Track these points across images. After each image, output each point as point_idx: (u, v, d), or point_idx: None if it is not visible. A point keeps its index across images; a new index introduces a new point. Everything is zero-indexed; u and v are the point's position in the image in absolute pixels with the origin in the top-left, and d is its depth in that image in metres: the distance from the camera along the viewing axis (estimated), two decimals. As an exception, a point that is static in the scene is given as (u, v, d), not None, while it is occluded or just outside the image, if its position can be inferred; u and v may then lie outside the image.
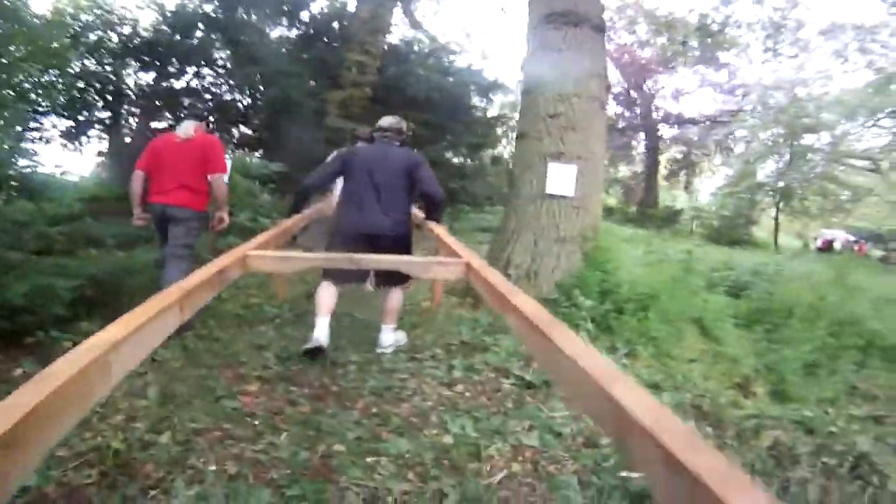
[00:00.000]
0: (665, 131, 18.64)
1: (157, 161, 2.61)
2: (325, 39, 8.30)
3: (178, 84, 8.54)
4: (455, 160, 9.27)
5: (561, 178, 3.25)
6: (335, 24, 8.19)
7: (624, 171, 20.62)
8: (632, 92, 17.80)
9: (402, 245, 2.33)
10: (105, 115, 8.59)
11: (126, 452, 1.41)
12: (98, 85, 7.92)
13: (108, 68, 7.95)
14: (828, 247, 14.48)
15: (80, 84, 7.68)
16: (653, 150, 18.40)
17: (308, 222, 2.69)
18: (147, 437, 1.51)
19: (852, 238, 14.72)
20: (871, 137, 13.51)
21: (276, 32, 8.46)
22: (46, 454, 0.58)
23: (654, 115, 18.12)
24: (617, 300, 2.91)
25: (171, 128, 4.40)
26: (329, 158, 2.56)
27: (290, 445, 1.53)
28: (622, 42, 16.48)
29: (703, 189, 21.00)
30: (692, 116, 17.68)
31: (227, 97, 8.60)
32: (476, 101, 9.05)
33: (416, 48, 9.02)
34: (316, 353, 2.19)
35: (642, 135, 18.56)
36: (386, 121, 2.51)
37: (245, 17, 7.75)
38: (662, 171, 19.88)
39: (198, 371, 2.02)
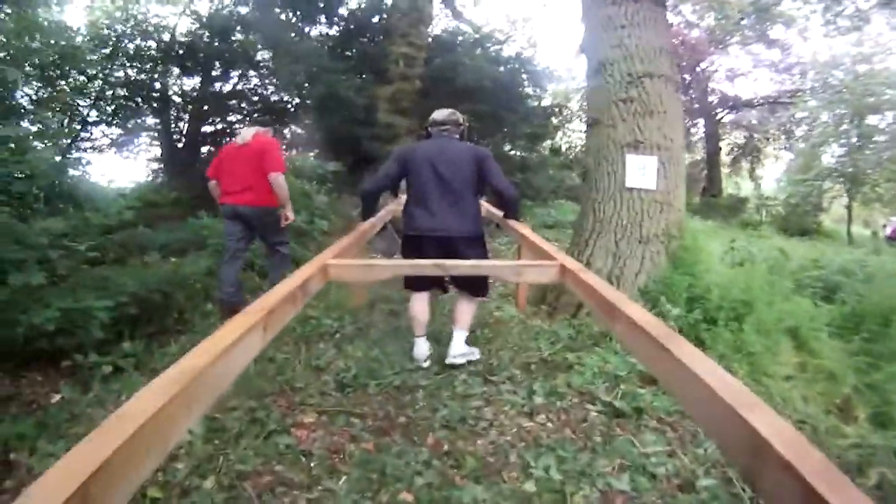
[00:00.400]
0: (723, 116, 17.66)
1: (221, 166, 3.06)
2: (367, 34, 8.37)
3: (226, 87, 8.80)
4: (514, 153, 9.25)
5: (641, 170, 3.03)
6: (375, 19, 8.23)
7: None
8: (685, 76, 16.66)
9: (475, 245, 2.24)
10: (153, 121, 8.93)
11: (165, 502, 1.32)
12: (143, 92, 8.25)
13: (150, 76, 8.25)
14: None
15: (124, 92, 8.03)
16: (713, 136, 17.60)
17: (383, 225, 2.88)
18: (189, 481, 1.42)
19: None
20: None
21: (315, 31, 8.60)
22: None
23: (710, 98, 17.18)
24: (707, 308, 2.67)
25: (225, 132, 4.82)
26: (390, 158, 2.41)
27: (350, 493, 1.42)
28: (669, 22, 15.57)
29: (766, 176, 20.19)
30: (749, 98, 16.67)
31: (274, 98, 8.78)
32: (529, 89, 8.89)
33: (460, 38, 8.96)
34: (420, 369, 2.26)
35: (700, 121, 17.71)
36: (441, 114, 2.39)
37: (281, 17, 7.86)
38: (724, 157, 19.20)
39: (248, 400, 1.90)
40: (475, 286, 2.31)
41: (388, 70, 7.50)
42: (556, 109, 10.27)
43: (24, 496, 0.43)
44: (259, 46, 8.03)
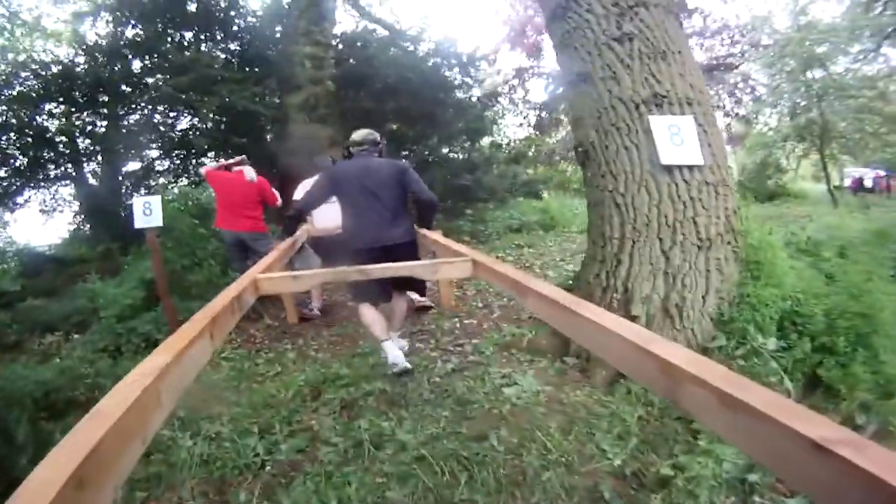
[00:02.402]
0: None
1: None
2: (269, 44, 8.55)
3: (132, 121, 8.75)
4: (454, 154, 9.57)
5: (675, 138, 2.37)
6: (277, 27, 8.45)
7: None
8: None
9: (413, 251, 2.70)
10: (63, 169, 8.69)
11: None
12: (38, 137, 8.06)
13: (39, 117, 8.11)
14: (859, 186, 15.07)
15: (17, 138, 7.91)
16: None
17: (301, 245, 3.28)
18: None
19: (883, 173, 15.23)
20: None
21: (212, 48, 8.76)
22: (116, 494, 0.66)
23: None
24: (814, 333, 2.15)
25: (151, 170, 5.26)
26: (316, 179, 2.96)
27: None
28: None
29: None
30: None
31: (183, 126, 8.87)
32: (457, 80, 9.23)
33: (372, 37, 9.27)
34: (406, 372, 2.65)
35: None
36: (359, 134, 2.88)
37: (172, 38, 7.94)
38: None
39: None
40: (412, 285, 2.91)
41: (295, 75, 7.61)
42: (490, 100, 10.81)
43: (26, 483, 0.52)
44: (151, 69, 8.10)
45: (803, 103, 14.37)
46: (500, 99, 11.45)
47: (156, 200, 3.89)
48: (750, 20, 14.97)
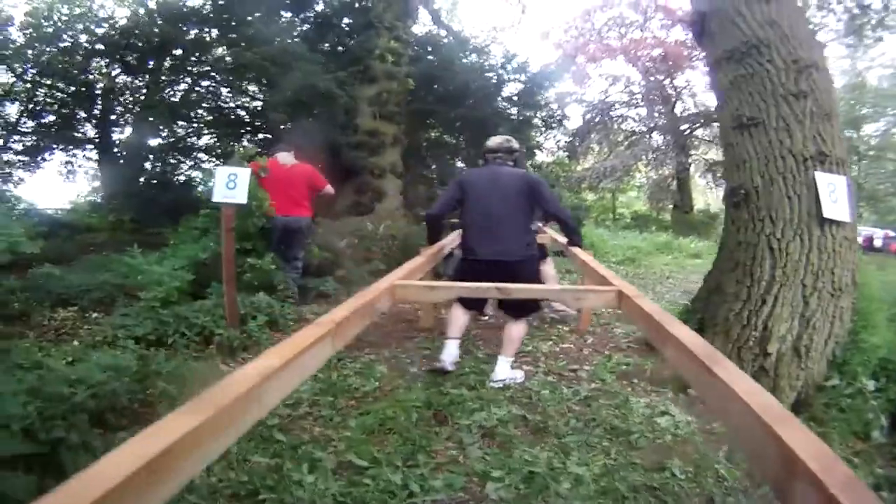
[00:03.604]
0: (694, 129, 22.03)
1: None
2: (345, 25, 8.97)
3: (176, 92, 9.32)
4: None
5: (834, 196, 2.82)
6: (355, 5, 8.85)
7: (650, 174, 24.03)
8: (650, 90, 21.51)
9: (527, 269, 2.92)
10: (92, 131, 9.33)
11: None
12: (77, 92, 8.61)
13: (85, 72, 8.68)
14: (869, 245, 16.96)
15: (57, 93, 8.49)
16: (682, 151, 21.34)
17: (450, 251, 3.57)
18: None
19: (893, 234, 17.54)
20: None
21: (283, 22, 9.18)
22: (189, 481, 0.74)
23: (679, 113, 21.75)
24: None
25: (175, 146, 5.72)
26: (449, 185, 3.28)
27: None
28: (636, 37, 19.71)
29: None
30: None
31: (231, 105, 9.39)
32: (515, 96, 10.02)
33: (443, 42, 9.88)
34: (441, 373, 2.93)
35: (669, 136, 21.62)
36: (494, 141, 3.23)
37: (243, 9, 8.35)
38: (693, 173, 23.47)
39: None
40: (523, 309, 3.01)
41: (371, 67, 7.98)
42: (544, 121, 11.48)
43: (97, 464, 0.61)
44: (216, 43, 8.53)
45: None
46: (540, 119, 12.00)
47: (244, 173, 3.69)
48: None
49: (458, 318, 3.06)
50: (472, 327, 3.79)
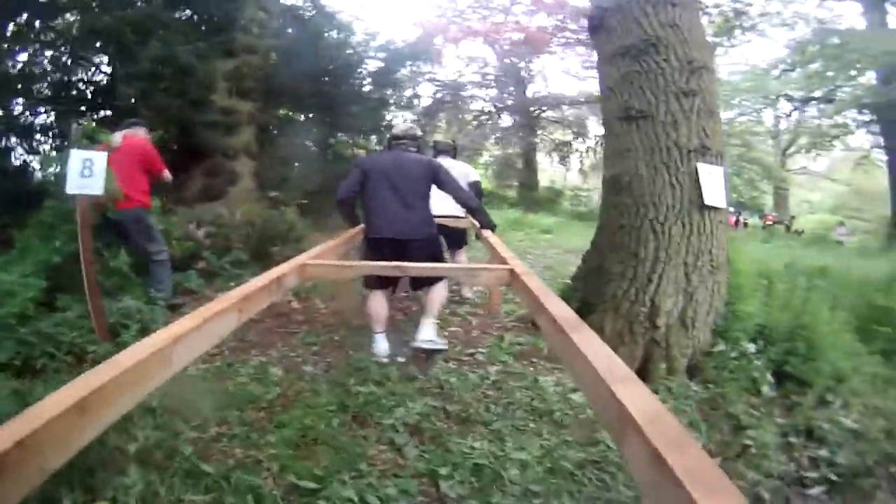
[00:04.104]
0: (541, 112, 25.42)
1: None
2: None
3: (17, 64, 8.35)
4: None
5: (713, 185, 3.33)
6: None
7: (497, 152, 27.19)
8: (505, 73, 24.39)
9: (427, 247, 3.29)
10: None
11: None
12: None
13: None
14: (736, 222, 21.29)
15: None
16: (531, 131, 24.84)
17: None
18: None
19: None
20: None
21: None
22: (107, 426, 0.91)
23: (530, 95, 24.95)
24: (776, 340, 3.27)
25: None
26: (353, 168, 3.55)
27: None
28: (497, 20, 22.00)
29: (572, 167, 28.62)
30: (573, 96, 24.15)
31: (76, 77, 8.64)
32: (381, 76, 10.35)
33: (310, 14, 9.85)
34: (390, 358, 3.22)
35: (518, 117, 24.85)
36: (400, 129, 3.69)
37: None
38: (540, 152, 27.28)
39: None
40: (432, 281, 3.32)
41: (233, 39, 7.74)
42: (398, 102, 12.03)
43: (33, 406, 0.77)
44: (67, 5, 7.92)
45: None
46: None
47: (100, 158, 3.37)
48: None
49: (377, 310, 3.32)
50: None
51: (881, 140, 17.63)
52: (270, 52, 8.22)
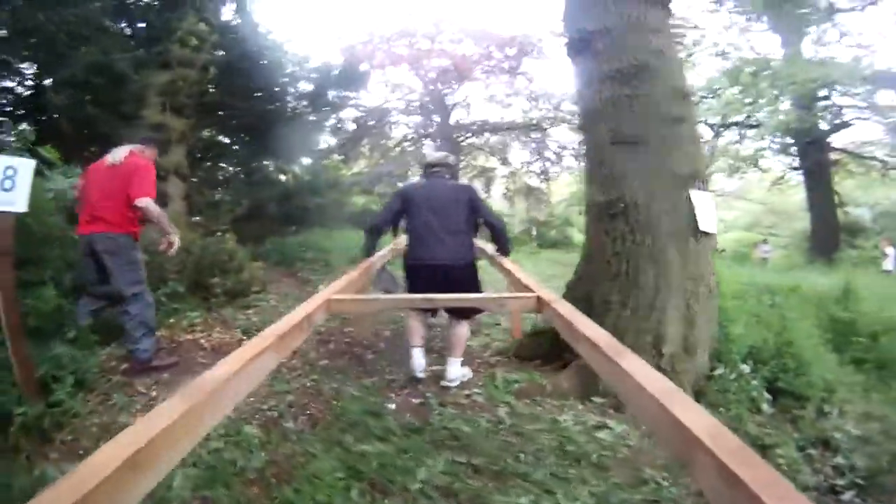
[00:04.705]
0: (466, 139, 27.62)
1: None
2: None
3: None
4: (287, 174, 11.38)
5: (705, 210, 3.60)
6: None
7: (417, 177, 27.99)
8: (430, 99, 26.30)
9: (468, 274, 3.66)
10: None
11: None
12: None
13: None
14: None
15: None
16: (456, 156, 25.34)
17: (383, 263, 4.04)
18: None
19: None
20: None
21: None
22: (159, 480, 0.96)
23: (453, 122, 26.96)
24: (765, 360, 3.61)
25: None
26: (391, 197, 4.00)
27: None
28: (423, 48, 24.17)
29: (494, 195, 30.23)
30: (496, 122, 26.72)
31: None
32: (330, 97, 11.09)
33: (247, 31, 10.00)
34: (416, 381, 3.69)
35: (441, 142, 26.08)
36: (434, 157, 4.10)
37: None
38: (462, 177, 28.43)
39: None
40: (466, 311, 3.67)
41: (169, 51, 7.67)
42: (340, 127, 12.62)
43: (85, 461, 0.83)
44: None
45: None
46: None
47: (25, 167, 3.01)
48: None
49: (415, 328, 3.77)
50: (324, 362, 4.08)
51: (796, 161, 20.15)
52: (208, 67, 8.14)
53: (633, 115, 3.72)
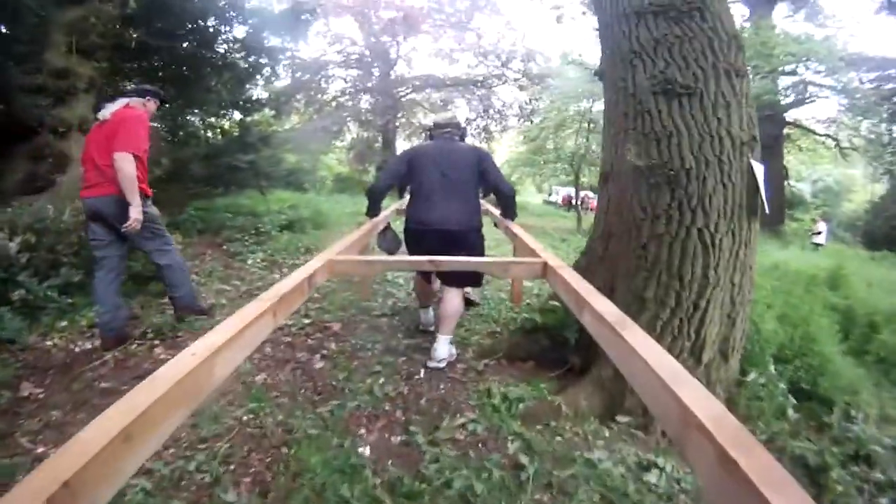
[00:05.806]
0: (411, 95, 28.87)
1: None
2: None
3: None
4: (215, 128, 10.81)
5: (763, 187, 3.12)
6: None
7: (356, 135, 30.80)
8: (368, 51, 27.25)
9: (474, 240, 3.74)
10: None
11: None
12: None
13: None
14: (568, 203, 27.13)
15: None
16: (393, 113, 27.81)
17: (385, 224, 4.33)
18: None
19: (591, 195, 24.35)
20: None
21: None
22: (153, 451, 0.99)
23: (394, 77, 28.10)
24: (788, 358, 3.50)
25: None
26: (396, 157, 4.27)
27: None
28: None
29: None
30: (440, 78, 27.90)
31: None
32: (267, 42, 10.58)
33: None
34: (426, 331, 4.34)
35: (380, 98, 27.60)
36: (442, 117, 4.16)
37: None
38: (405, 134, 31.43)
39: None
40: (464, 279, 3.79)
41: None
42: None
43: (77, 435, 0.83)
44: None
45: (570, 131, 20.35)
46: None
47: None
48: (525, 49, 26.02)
49: (424, 288, 4.29)
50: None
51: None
52: (126, 1, 7.39)
53: (683, 61, 3.15)
